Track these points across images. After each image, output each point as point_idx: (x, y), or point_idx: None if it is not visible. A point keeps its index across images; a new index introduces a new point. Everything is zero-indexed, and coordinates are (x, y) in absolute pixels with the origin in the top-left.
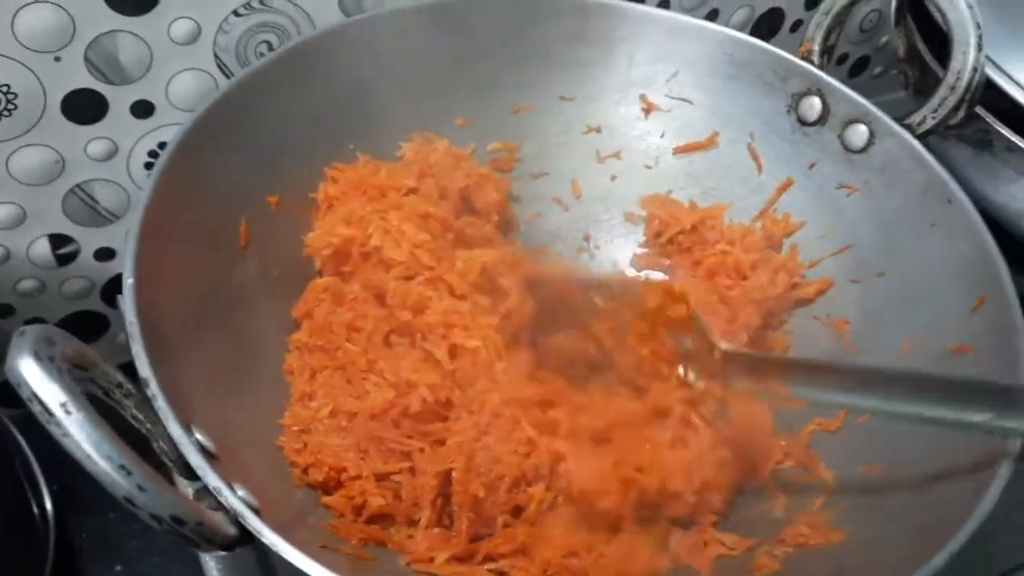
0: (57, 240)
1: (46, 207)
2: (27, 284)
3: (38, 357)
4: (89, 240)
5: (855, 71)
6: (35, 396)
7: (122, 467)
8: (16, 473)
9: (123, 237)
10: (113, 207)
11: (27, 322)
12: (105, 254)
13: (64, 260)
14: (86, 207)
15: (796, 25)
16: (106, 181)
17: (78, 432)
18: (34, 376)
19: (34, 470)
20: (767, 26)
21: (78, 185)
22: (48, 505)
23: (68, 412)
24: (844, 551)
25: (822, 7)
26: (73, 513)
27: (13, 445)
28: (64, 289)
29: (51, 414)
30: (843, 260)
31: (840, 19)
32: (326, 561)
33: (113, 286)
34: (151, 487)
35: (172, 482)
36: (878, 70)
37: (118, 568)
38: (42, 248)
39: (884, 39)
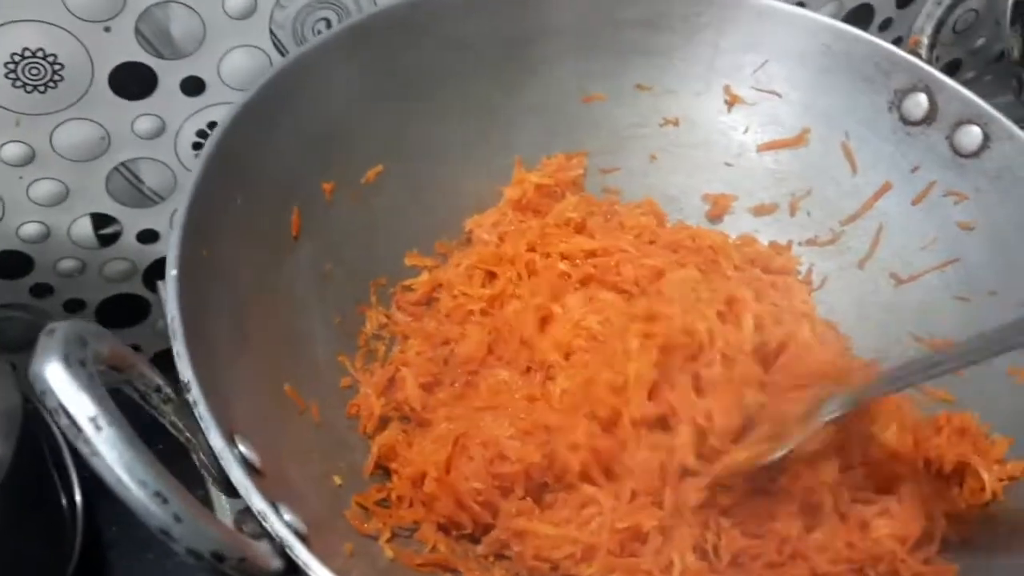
0: (100, 220)
1: (89, 185)
2: (67, 264)
3: (67, 362)
4: (132, 221)
5: (945, 74)
6: (61, 407)
7: (157, 494)
8: (45, 461)
9: (168, 219)
10: (158, 187)
11: (66, 304)
12: (148, 236)
13: (106, 241)
14: (130, 186)
15: (886, 23)
16: (152, 160)
17: (109, 451)
18: (61, 384)
19: (64, 457)
20: (854, 22)
21: (123, 163)
22: (77, 496)
23: (98, 428)
24: None
25: None
26: (104, 502)
27: (43, 430)
28: (105, 271)
29: (79, 429)
30: (947, 275)
31: (952, 10)
32: None
33: (156, 270)
34: (189, 518)
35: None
36: (971, 74)
37: (148, 560)
38: (84, 227)
39: (980, 41)
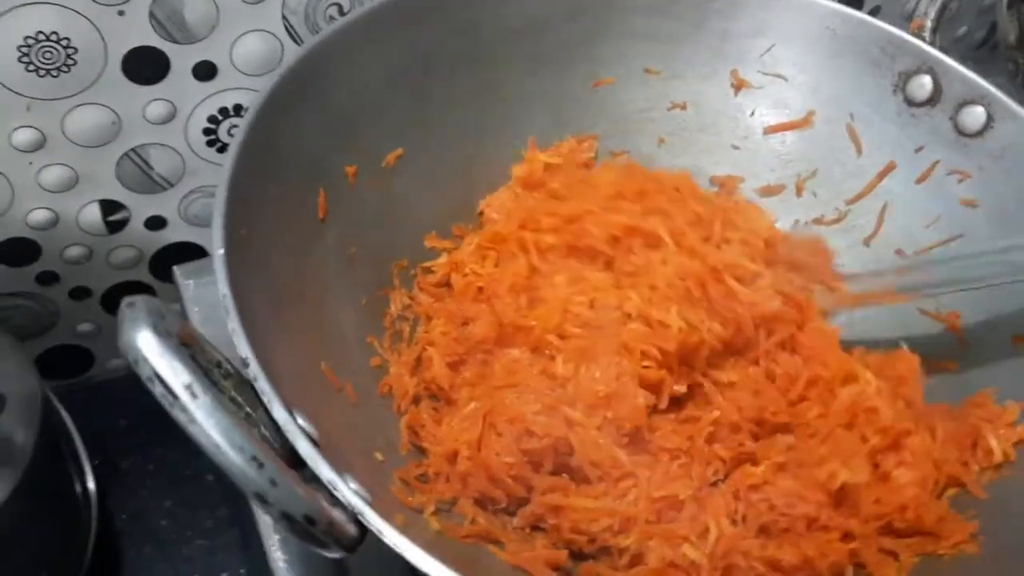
0: (108, 206)
1: (99, 171)
2: (75, 251)
3: (156, 331)
4: (141, 208)
5: None
6: (157, 376)
7: (254, 459)
8: (60, 449)
9: (176, 206)
10: (168, 174)
11: (71, 291)
12: (156, 223)
13: (114, 227)
14: (140, 173)
15: (874, 11)
16: (162, 146)
17: (206, 419)
18: (154, 353)
19: (76, 446)
20: None
21: (133, 149)
22: (91, 484)
23: (194, 395)
24: (977, 566)
25: None
26: (114, 491)
27: (57, 419)
28: (112, 258)
29: (175, 397)
30: (951, 251)
31: None
32: (449, 560)
33: (162, 257)
34: (285, 482)
35: None
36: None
37: (160, 548)
38: (92, 214)
39: (962, 29)
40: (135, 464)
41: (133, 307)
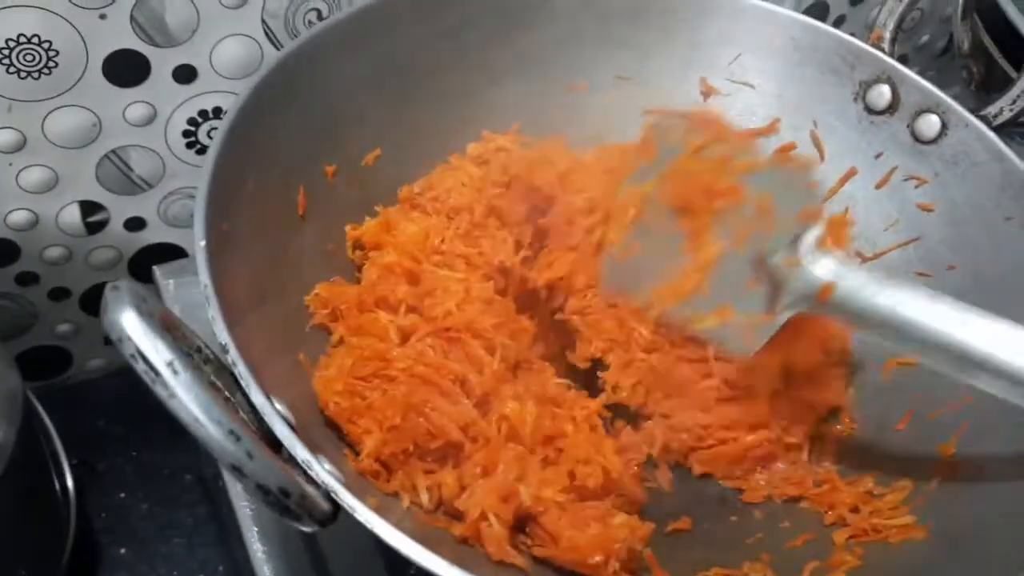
0: (88, 207)
1: (79, 172)
2: (54, 252)
3: (140, 311)
4: (120, 209)
5: None
6: (140, 353)
7: (231, 432)
8: (41, 448)
9: (155, 207)
10: (147, 175)
11: (51, 292)
12: (135, 224)
13: (93, 228)
14: (120, 174)
15: (839, 21)
16: (142, 148)
17: (186, 393)
18: (137, 332)
19: (56, 444)
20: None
21: (113, 151)
22: (69, 482)
23: (175, 372)
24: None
25: None
26: (92, 490)
27: (36, 419)
28: (91, 259)
29: (157, 373)
30: (909, 253)
31: (913, 6)
32: (420, 538)
33: (142, 258)
34: (260, 455)
35: None
36: (916, 69)
37: (138, 545)
38: (72, 215)
39: (924, 38)
40: (113, 464)
41: (117, 290)
